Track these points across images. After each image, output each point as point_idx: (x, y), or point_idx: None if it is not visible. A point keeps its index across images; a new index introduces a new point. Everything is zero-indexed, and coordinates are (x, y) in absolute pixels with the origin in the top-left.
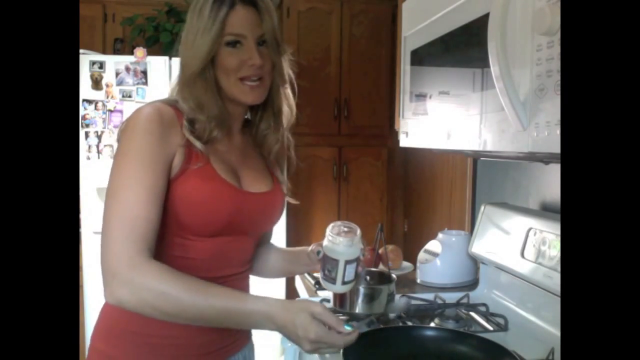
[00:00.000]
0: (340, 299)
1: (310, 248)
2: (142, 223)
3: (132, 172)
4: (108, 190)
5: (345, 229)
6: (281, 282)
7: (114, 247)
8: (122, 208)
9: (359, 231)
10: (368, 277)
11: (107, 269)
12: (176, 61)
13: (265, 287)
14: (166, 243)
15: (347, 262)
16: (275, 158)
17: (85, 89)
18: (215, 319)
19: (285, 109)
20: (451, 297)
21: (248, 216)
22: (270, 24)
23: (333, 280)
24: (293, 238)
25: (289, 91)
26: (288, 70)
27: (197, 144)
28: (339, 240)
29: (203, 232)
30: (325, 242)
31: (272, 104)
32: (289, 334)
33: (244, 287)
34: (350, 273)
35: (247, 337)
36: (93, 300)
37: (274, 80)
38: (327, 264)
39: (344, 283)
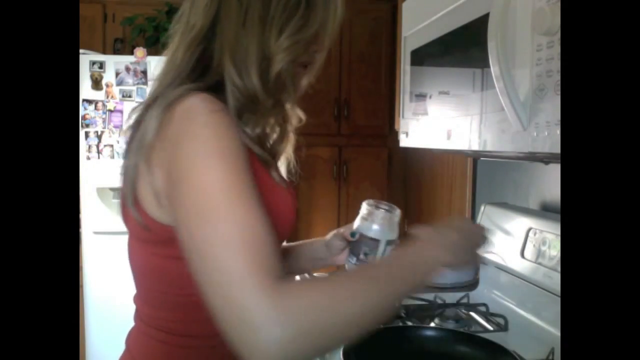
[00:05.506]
0: None
1: (329, 236)
2: (265, 241)
3: (228, 179)
4: (198, 209)
5: (384, 207)
6: None
7: (242, 284)
8: (235, 229)
9: (398, 210)
10: None
11: (243, 315)
12: None
13: None
14: None
15: (388, 243)
16: None
17: (85, 89)
18: (392, 286)
19: None
20: (451, 297)
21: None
22: None
23: None
24: (292, 239)
25: None
26: None
27: (257, 150)
28: (380, 216)
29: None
30: (360, 222)
31: None
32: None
33: None
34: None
35: None
36: (93, 300)
37: None
38: (365, 246)
39: None
